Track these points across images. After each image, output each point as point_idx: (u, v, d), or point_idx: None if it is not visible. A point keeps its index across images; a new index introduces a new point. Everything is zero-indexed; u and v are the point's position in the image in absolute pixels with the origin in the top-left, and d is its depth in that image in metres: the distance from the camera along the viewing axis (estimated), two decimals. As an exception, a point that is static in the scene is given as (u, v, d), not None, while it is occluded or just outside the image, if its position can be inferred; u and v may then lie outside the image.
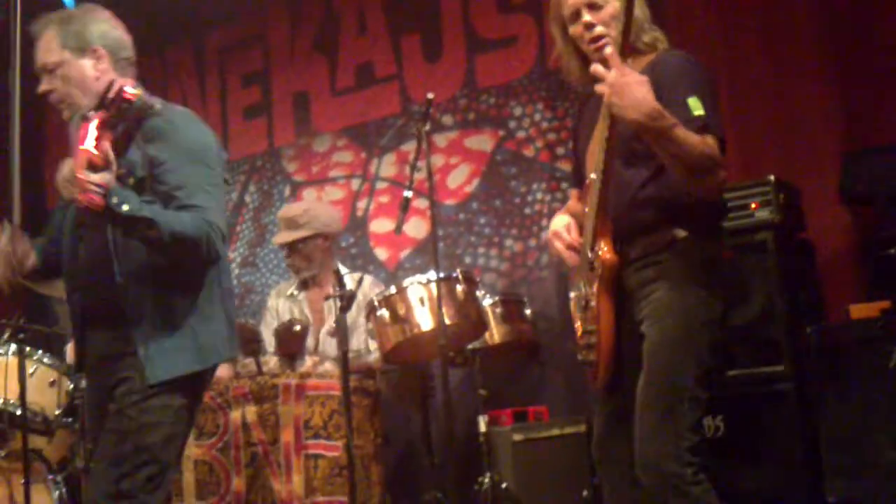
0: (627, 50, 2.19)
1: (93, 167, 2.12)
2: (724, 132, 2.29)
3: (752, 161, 3.80)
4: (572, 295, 2.52)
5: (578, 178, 2.61)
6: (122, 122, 2.27)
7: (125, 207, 2.16)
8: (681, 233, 2.29)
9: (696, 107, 2.20)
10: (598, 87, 2.18)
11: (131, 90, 2.22)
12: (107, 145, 2.17)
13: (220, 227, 2.34)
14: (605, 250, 2.31)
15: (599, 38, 2.36)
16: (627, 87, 2.10)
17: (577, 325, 2.48)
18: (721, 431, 3.23)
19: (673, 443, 2.19)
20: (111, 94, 2.21)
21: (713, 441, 3.19)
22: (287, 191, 5.43)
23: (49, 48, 2.44)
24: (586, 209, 2.42)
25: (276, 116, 5.53)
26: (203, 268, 2.40)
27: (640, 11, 2.35)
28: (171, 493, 2.46)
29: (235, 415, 3.38)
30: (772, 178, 3.32)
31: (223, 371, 3.94)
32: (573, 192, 2.69)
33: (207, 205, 2.32)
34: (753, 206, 3.30)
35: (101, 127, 2.18)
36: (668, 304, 2.26)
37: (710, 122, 2.21)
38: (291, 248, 4.09)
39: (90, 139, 2.14)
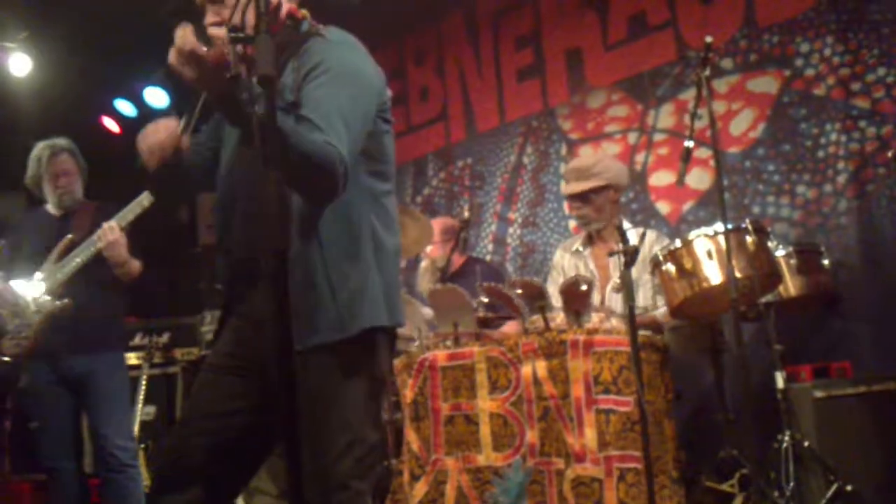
0: None
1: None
2: None
3: None
4: None
5: None
6: (287, 44, 2.14)
7: (255, 108, 1.81)
8: None
9: None
10: None
11: (299, 10, 2.09)
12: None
13: (347, 164, 1.97)
14: None
15: None
16: None
17: None
18: None
19: None
20: (281, 14, 2.09)
21: None
22: (563, 149, 5.46)
23: None
24: None
25: (550, 76, 5.56)
26: (350, 230, 2.11)
27: None
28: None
29: (526, 369, 3.47)
30: None
31: (511, 327, 4.08)
32: None
33: (341, 133, 1.97)
34: None
35: None
36: None
37: None
38: (583, 198, 4.08)
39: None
